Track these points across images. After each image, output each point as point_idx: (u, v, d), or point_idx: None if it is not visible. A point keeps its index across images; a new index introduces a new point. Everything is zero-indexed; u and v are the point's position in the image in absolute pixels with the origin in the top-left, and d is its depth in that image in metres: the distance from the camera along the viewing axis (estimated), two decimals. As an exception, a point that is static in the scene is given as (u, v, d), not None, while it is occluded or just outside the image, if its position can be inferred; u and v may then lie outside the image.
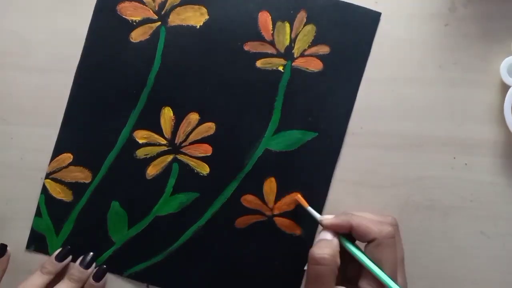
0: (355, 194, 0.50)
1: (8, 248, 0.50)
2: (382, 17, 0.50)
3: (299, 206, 0.50)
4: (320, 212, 0.50)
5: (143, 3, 0.51)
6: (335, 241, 0.45)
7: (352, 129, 0.50)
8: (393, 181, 0.50)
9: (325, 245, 0.44)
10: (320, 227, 0.47)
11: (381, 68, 0.50)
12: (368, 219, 0.45)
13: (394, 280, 0.43)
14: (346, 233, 0.46)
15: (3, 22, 0.51)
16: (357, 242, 0.46)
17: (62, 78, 0.51)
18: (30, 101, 0.51)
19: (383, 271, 0.43)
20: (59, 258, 0.49)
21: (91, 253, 0.50)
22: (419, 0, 0.50)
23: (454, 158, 0.50)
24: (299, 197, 0.50)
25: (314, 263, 0.43)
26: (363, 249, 0.45)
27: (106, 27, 0.51)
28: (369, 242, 0.44)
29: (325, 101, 0.50)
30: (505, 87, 0.49)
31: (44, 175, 0.51)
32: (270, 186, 0.50)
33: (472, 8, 0.50)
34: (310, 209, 0.49)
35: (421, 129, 0.50)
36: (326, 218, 0.46)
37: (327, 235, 0.45)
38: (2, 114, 0.51)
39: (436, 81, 0.50)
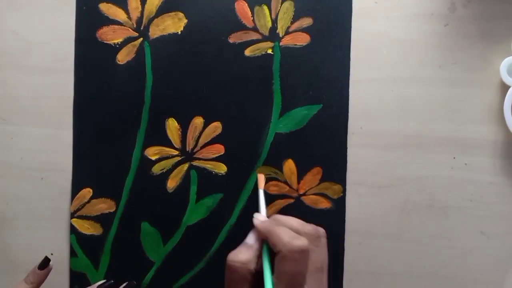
0: (355, 194, 0.51)
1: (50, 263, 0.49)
2: (382, 17, 0.50)
3: (323, 179, 0.50)
4: (344, 184, 0.50)
5: (121, 24, 0.51)
6: (255, 246, 0.45)
7: (352, 129, 0.50)
8: (393, 181, 0.50)
9: (241, 251, 0.45)
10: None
11: (381, 68, 0.50)
12: (287, 230, 0.44)
13: None
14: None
15: (3, 22, 0.52)
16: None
17: (62, 78, 0.51)
18: (30, 101, 0.52)
19: (272, 285, 0.43)
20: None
21: (134, 282, 0.50)
22: (419, 0, 0.50)
23: (454, 158, 0.50)
24: (260, 176, 0.50)
25: (227, 268, 0.44)
26: None
27: (91, 57, 0.51)
28: (276, 252, 0.43)
29: (322, 72, 0.50)
30: (505, 87, 0.49)
31: (43, 175, 0.51)
32: (289, 168, 0.51)
33: (472, 8, 0.50)
34: (261, 194, 0.49)
35: (421, 129, 0.50)
36: (258, 218, 0.47)
37: (250, 239, 0.46)
38: (2, 114, 0.52)
39: (436, 81, 0.50)
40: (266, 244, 0.45)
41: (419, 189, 0.50)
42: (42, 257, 0.50)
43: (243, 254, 0.45)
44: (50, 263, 0.48)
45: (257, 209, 0.50)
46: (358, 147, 0.50)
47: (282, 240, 0.43)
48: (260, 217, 0.47)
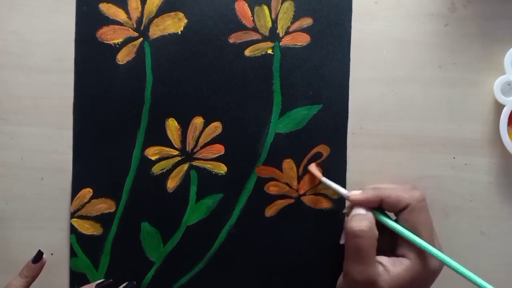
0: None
1: (44, 256, 0.49)
2: (382, 17, 0.50)
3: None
4: (344, 184, 0.50)
5: (121, 24, 0.51)
6: (370, 214, 0.45)
7: (352, 129, 0.50)
8: (393, 181, 0.50)
9: (361, 218, 0.45)
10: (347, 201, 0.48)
11: (381, 68, 0.50)
12: (395, 188, 0.45)
13: (432, 244, 0.44)
14: (375, 207, 0.46)
15: (3, 22, 0.52)
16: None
17: (62, 78, 0.51)
18: (30, 101, 0.51)
19: (419, 237, 0.43)
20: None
21: (134, 282, 0.50)
22: (419, 0, 0.50)
23: (454, 158, 0.50)
24: (312, 168, 0.50)
25: (354, 236, 0.44)
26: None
27: (91, 57, 0.51)
28: (401, 210, 0.44)
29: (322, 72, 0.50)
30: None
31: (43, 175, 0.51)
32: (289, 168, 0.51)
33: (472, 8, 0.50)
34: (326, 180, 0.49)
35: (421, 129, 0.50)
36: (354, 194, 0.46)
37: (361, 210, 0.46)
38: (2, 114, 0.52)
39: (436, 81, 0.50)
40: (377, 211, 0.45)
41: (419, 189, 0.50)
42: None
43: (365, 220, 0.44)
44: (44, 256, 0.49)
45: (256, 210, 0.50)
46: (358, 147, 0.50)
47: (404, 195, 0.44)
48: (355, 192, 0.47)
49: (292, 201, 0.51)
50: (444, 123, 0.50)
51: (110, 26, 0.51)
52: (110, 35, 0.51)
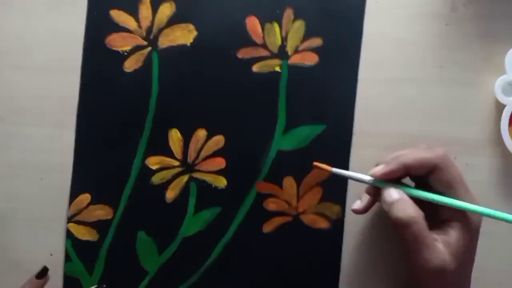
0: (356, 194, 0.50)
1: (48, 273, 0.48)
2: (382, 17, 0.50)
3: (322, 199, 0.50)
4: (343, 205, 0.50)
5: (130, 31, 0.51)
6: (404, 194, 0.43)
7: (352, 129, 0.51)
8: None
9: (403, 205, 0.43)
10: (355, 202, 0.48)
11: (381, 68, 0.50)
12: (417, 151, 0.44)
13: (471, 198, 0.43)
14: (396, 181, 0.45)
15: (3, 22, 0.51)
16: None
17: (62, 78, 0.51)
18: (30, 101, 0.51)
19: (458, 196, 0.43)
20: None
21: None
22: (419, 0, 0.50)
23: (454, 158, 0.50)
24: (318, 163, 0.48)
25: (406, 226, 0.42)
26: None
27: (98, 63, 0.51)
28: (430, 172, 0.43)
29: (328, 92, 0.50)
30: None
31: (43, 175, 0.51)
32: (289, 186, 0.51)
33: (472, 8, 0.50)
34: (339, 170, 0.47)
35: (421, 129, 0.50)
36: (377, 170, 0.44)
37: (394, 194, 0.43)
38: (2, 114, 0.51)
39: (436, 81, 0.50)
40: (402, 186, 0.44)
41: None
42: (42, 257, 0.50)
43: (407, 206, 0.42)
44: (48, 273, 0.48)
45: (254, 225, 0.50)
46: (358, 147, 0.50)
47: (428, 156, 0.43)
48: (377, 168, 0.44)
49: (290, 219, 0.51)
50: (444, 123, 0.50)
51: (120, 33, 0.51)
52: (118, 42, 0.51)
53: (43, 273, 0.48)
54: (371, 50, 0.50)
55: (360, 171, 0.48)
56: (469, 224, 0.43)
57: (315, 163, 0.48)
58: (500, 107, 0.49)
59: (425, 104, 0.50)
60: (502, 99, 0.48)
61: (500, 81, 0.48)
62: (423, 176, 0.44)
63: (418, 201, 0.44)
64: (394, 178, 0.44)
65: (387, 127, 0.50)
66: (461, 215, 0.43)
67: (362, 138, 0.50)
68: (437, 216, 0.44)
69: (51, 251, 0.51)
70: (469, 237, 0.43)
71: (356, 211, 0.48)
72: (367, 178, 0.45)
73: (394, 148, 0.49)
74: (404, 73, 0.50)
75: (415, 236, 0.42)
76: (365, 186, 0.46)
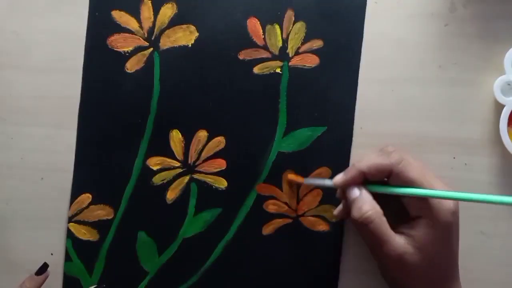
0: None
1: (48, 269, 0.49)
2: (382, 17, 0.50)
3: (322, 201, 0.50)
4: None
5: (132, 32, 0.51)
6: (364, 192, 0.45)
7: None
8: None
9: (360, 203, 0.44)
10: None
11: (381, 68, 0.50)
12: (373, 157, 0.45)
13: (435, 188, 0.43)
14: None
15: (3, 22, 0.52)
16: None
17: (62, 78, 0.51)
18: (30, 101, 0.51)
19: (420, 187, 0.43)
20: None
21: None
22: (419, 0, 0.50)
23: (454, 158, 0.50)
24: (291, 176, 0.50)
25: (362, 225, 0.44)
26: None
27: (100, 64, 0.51)
28: (387, 177, 0.44)
29: (329, 94, 0.50)
30: None
31: (43, 175, 0.51)
32: (290, 188, 0.51)
33: (472, 8, 0.50)
34: (309, 180, 0.49)
35: (421, 129, 0.50)
36: (337, 178, 0.46)
37: (354, 192, 0.45)
38: (2, 114, 0.52)
39: (436, 81, 0.50)
40: (368, 185, 0.45)
41: None
42: (42, 257, 0.50)
43: (365, 204, 0.44)
44: (48, 269, 0.48)
45: (254, 227, 0.50)
46: (358, 148, 0.50)
47: (382, 163, 0.44)
48: (337, 176, 0.46)
49: (290, 221, 0.51)
50: (444, 123, 0.50)
51: (121, 34, 0.51)
52: (120, 43, 0.51)
53: (43, 269, 0.48)
54: (370, 50, 0.50)
55: None
56: (437, 218, 0.43)
57: (289, 176, 0.50)
58: (499, 107, 0.49)
59: (425, 104, 0.50)
60: (501, 99, 0.48)
61: (499, 81, 0.48)
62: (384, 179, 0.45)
63: (390, 197, 0.45)
64: (356, 184, 0.45)
65: (387, 127, 0.50)
66: (428, 211, 0.44)
67: (362, 138, 0.50)
68: (407, 213, 0.45)
69: (52, 250, 0.52)
70: (438, 230, 0.43)
71: (337, 217, 0.49)
72: (334, 179, 0.47)
73: None
74: (403, 73, 0.50)
75: (373, 233, 0.43)
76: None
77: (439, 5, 0.50)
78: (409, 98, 0.50)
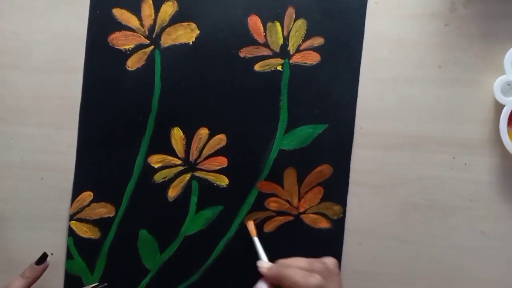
0: (356, 194, 0.50)
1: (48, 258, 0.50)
2: (382, 17, 0.50)
3: (324, 198, 0.50)
4: (344, 205, 0.50)
5: (133, 30, 0.51)
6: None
7: None
8: (393, 181, 0.50)
9: None
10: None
11: (381, 68, 0.50)
12: (297, 270, 0.45)
13: None
14: None
15: (3, 22, 0.52)
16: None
17: (62, 78, 0.51)
18: (30, 101, 0.52)
19: None
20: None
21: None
22: (419, 0, 0.50)
23: (454, 158, 0.50)
24: (249, 223, 0.50)
25: None
26: None
27: (101, 62, 0.51)
28: None
29: (329, 91, 0.50)
30: None
31: (43, 175, 0.52)
32: (291, 185, 0.51)
33: (472, 8, 0.50)
34: (256, 242, 0.49)
35: (421, 129, 0.50)
36: (262, 266, 0.47)
37: (262, 286, 0.46)
38: (2, 114, 0.52)
39: (436, 81, 0.50)
40: None
41: (419, 189, 0.50)
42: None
43: None
44: (48, 259, 0.48)
45: (255, 225, 0.50)
46: (358, 147, 0.50)
47: (298, 281, 0.44)
48: (265, 264, 0.47)
49: (291, 218, 0.51)
50: (444, 123, 0.50)
51: (122, 31, 0.51)
52: (121, 41, 0.51)
53: (42, 259, 0.49)
54: (371, 51, 0.50)
55: (359, 171, 0.50)
56: None
57: (247, 222, 0.50)
58: (499, 107, 0.49)
59: (425, 104, 0.50)
60: (501, 99, 0.48)
61: (499, 81, 0.48)
62: None
63: None
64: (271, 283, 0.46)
65: (387, 127, 0.50)
66: None
67: (362, 138, 0.50)
68: None
69: (52, 250, 0.52)
70: None
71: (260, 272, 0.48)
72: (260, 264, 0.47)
73: (394, 148, 0.50)
74: (404, 73, 0.50)
75: None
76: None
77: (439, 5, 0.50)
78: (409, 98, 0.50)
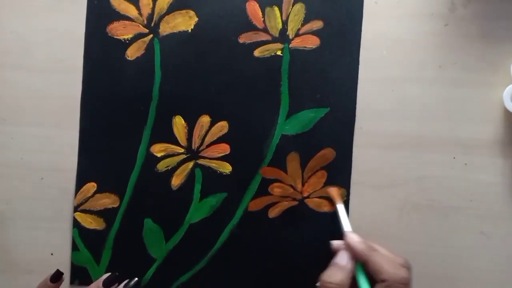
0: (355, 194, 0.51)
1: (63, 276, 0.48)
2: (382, 17, 0.50)
3: (327, 183, 0.50)
4: (348, 188, 0.50)
5: (131, 19, 0.51)
6: (348, 267, 0.45)
7: None
8: (393, 181, 0.50)
9: (335, 272, 0.45)
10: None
11: (381, 68, 0.50)
12: (386, 257, 0.45)
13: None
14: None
15: (3, 22, 0.52)
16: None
17: (61, 78, 0.51)
18: (30, 101, 0.52)
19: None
20: (106, 284, 0.48)
21: (136, 279, 0.50)
22: (419, 0, 0.50)
23: (454, 158, 0.50)
24: (333, 190, 0.50)
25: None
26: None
27: (100, 51, 0.51)
28: (380, 281, 0.44)
29: (330, 75, 0.50)
30: (504, 87, 0.49)
31: (43, 175, 0.51)
32: (294, 170, 0.51)
33: (472, 8, 0.50)
34: (341, 210, 0.49)
35: (421, 129, 0.50)
36: (350, 237, 0.46)
37: (343, 259, 0.46)
38: (2, 114, 0.52)
39: (436, 81, 0.50)
40: (360, 267, 0.45)
41: (419, 189, 0.50)
42: (42, 257, 0.50)
43: (338, 275, 0.45)
44: (63, 276, 0.47)
45: (260, 210, 0.50)
46: (358, 147, 0.50)
47: (388, 270, 0.44)
48: (355, 237, 0.46)
49: (295, 203, 0.51)
50: (444, 123, 0.50)
51: (121, 21, 0.51)
52: (120, 31, 0.51)
53: (57, 276, 0.47)
54: (370, 50, 0.50)
55: (359, 171, 0.50)
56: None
57: (330, 189, 0.51)
58: (498, 107, 0.49)
59: (425, 104, 0.50)
60: (511, 107, 0.48)
61: (509, 90, 0.48)
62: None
63: None
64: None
65: (387, 127, 0.50)
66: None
67: (362, 138, 0.50)
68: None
69: (52, 250, 0.52)
70: None
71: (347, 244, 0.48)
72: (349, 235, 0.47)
73: (394, 148, 0.50)
74: (403, 73, 0.50)
75: None
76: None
77: (439, 5, 0.50)
78: (409, 98, 0.50)
